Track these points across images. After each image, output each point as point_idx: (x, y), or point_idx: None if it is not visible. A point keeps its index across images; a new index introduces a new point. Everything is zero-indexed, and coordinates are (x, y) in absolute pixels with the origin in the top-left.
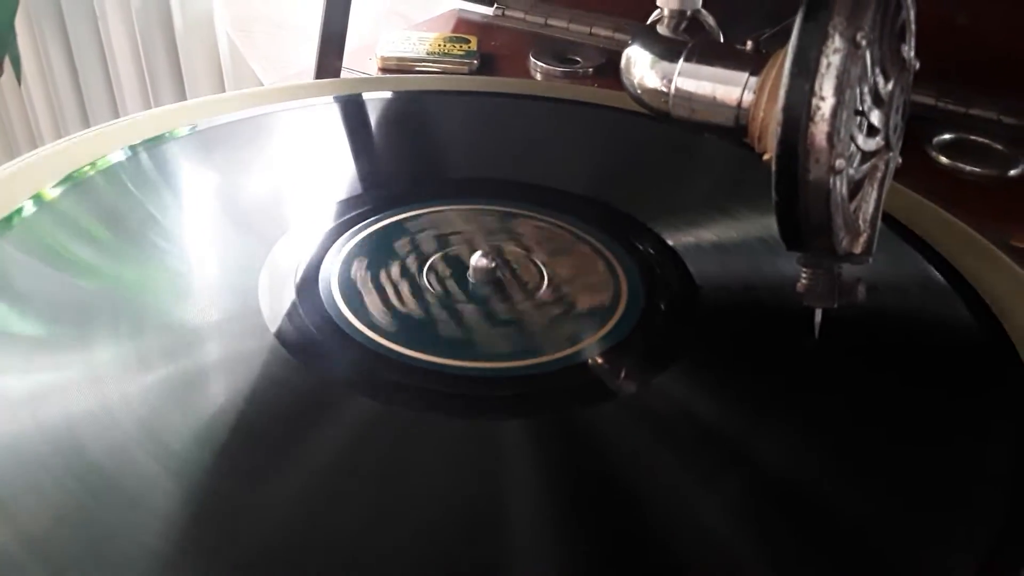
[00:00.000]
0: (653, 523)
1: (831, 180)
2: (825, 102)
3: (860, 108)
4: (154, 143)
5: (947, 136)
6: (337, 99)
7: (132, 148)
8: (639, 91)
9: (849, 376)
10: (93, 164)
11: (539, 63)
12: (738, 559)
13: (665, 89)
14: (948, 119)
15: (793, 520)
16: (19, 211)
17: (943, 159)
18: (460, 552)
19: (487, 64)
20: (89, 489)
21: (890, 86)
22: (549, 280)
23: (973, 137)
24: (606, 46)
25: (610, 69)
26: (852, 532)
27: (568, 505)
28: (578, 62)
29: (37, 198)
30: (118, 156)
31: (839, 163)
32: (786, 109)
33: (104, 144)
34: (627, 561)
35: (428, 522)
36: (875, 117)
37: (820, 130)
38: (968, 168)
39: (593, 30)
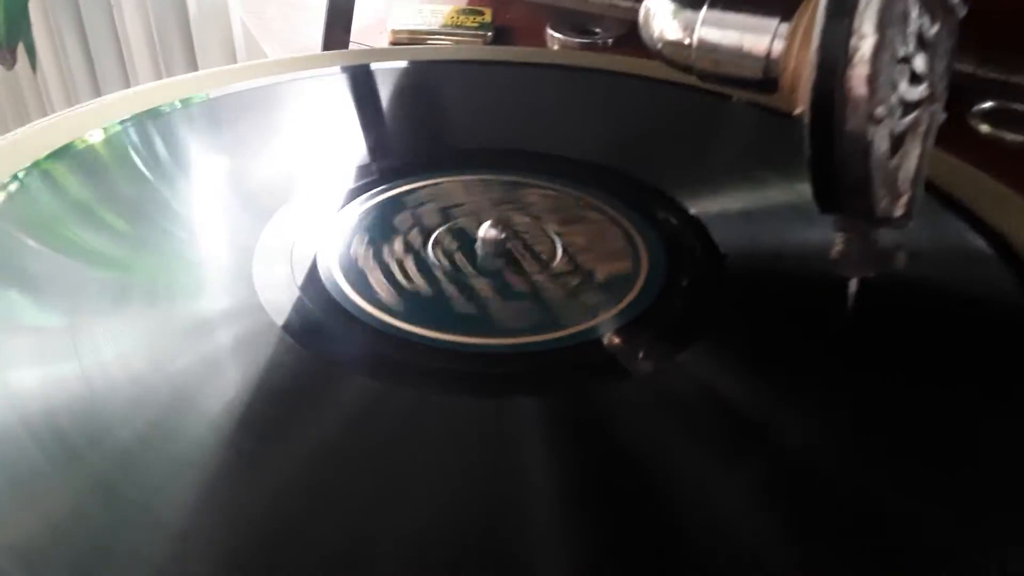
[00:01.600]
0: (676, 511)
1: (870, 131)
2: (865, 41)
3: (903, 52)
4: (149, 116)
5: (988, 104)
6: (344, 69)
7: (126, 121)
8: (659, 45)
9: (889, 353)
10: (83, 140)
11: (557, 35)
12: (767, 551)
13: (687, 41)
14: (988, 87)
15: (827, 510)
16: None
17: (984, 128)
18: (479, 537)
19: (502, 37)
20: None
21: (936, 29)
22: (563, 251)
23: (1014, 105)
24: (626, 16)
25: (632, 40)
26: (894, 524)
27: (588, 491)
28: (597, 33)
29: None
30: (114, 128)
31: (879, 111)
32: (821, 50)
33: (100, 118)
34: (649, 550)
35: (445, 507)
36: (919, 63)
37: (859, 73)
38: (1010, 137)
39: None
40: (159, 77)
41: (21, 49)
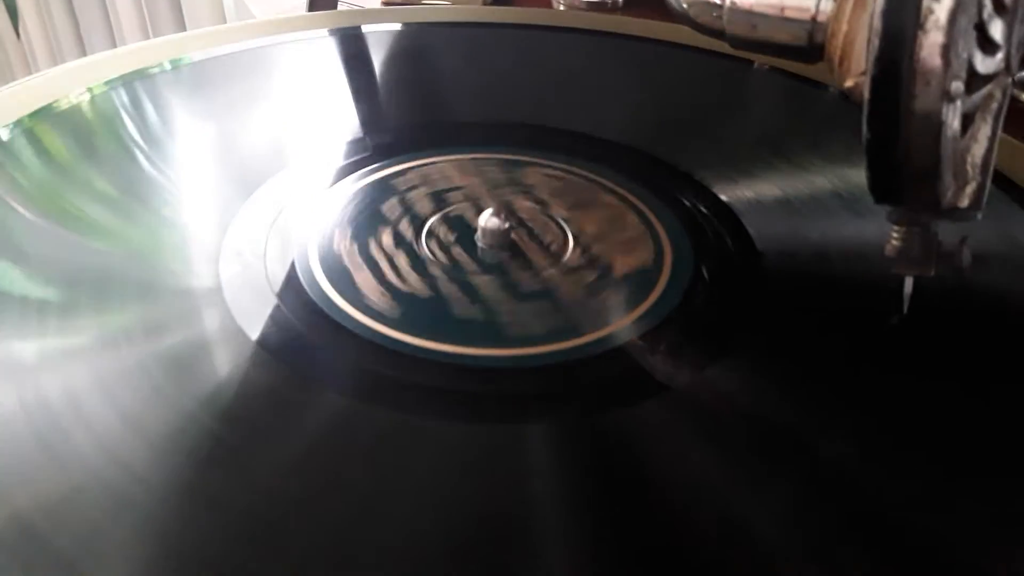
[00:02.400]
0: (709, 538)
1: (944, 110)
2: (940, 3)
3: (978, 17)
4: (131, 79)
5: None
6: (332, 33)
7: (112, 81)
8: (686, 5)
9: (946, 364)
10: (58, 101)
11: None
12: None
13: (719, 1)
14: None
15: (874, 532)
16: None
17: None
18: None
19: None
20: None
21: None
22: (575, 242)
23: None
24: None
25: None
26: (949, 549)
27: (613, 517)
28: None
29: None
30: (96, 91)
31: (955, 87)
32: (887, 14)
33: (81, 79)
34: None
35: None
36: (996, 29)
37: (933, 41)
38: None
39: None
40: (146, 37)
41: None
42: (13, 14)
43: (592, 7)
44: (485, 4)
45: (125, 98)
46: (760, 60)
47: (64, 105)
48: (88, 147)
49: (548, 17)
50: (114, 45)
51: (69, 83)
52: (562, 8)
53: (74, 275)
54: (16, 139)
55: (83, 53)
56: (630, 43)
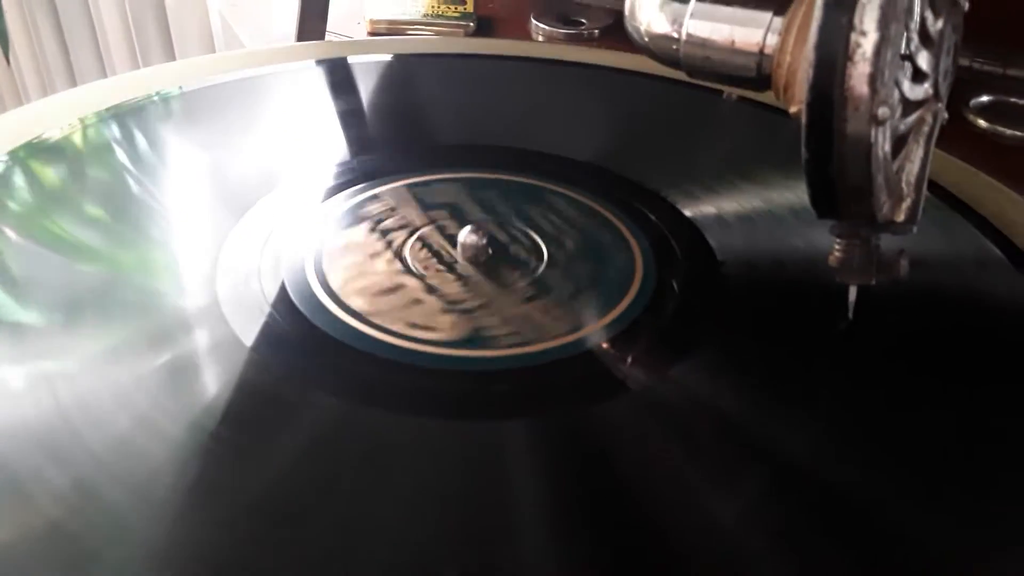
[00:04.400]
0: (673, 532)
1: (873, 132)
2: (867, 38)
3: (906, 49)
4: (114, 111)
5: (984, 98)
6: (319, 63)
7: (101, 113)
8: (646, 39)
9: (893, 364)
10: (49, 132)
11: (541, 25)
12: (769, 566)
13: (676, 34)
14: (985, 80)
15: (827, 526)
16: None
17: (981, 122)
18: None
19: (485, 27)
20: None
21: (940, 24)
22: (549, 256)
23: (1012, 99)
24: (613, 6)
25: (618, 31)
26: (898, 542)
27: (580, 515)
28: (583, 24)
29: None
30: (89, 120)
31: (882, 112)
32: (820, 47)
33: (73, 109)
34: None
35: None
36: (923, 60)
37: (860, 71)
38: (1008, 132)
39: None
40: (136, 67)
41: None
42: (3, 41)
43: (569, 39)
44: (468, 34)
45: (116, 128)
46: (729, 90)
47: (56, 136)
48: (81, 176)
49: (527, 49)
50: (104, 72)
51: (60, 114)
52: (540, 39)
53: (74, 297)
54: (8, 170)
55: (73, 80)
56: (604, 73)
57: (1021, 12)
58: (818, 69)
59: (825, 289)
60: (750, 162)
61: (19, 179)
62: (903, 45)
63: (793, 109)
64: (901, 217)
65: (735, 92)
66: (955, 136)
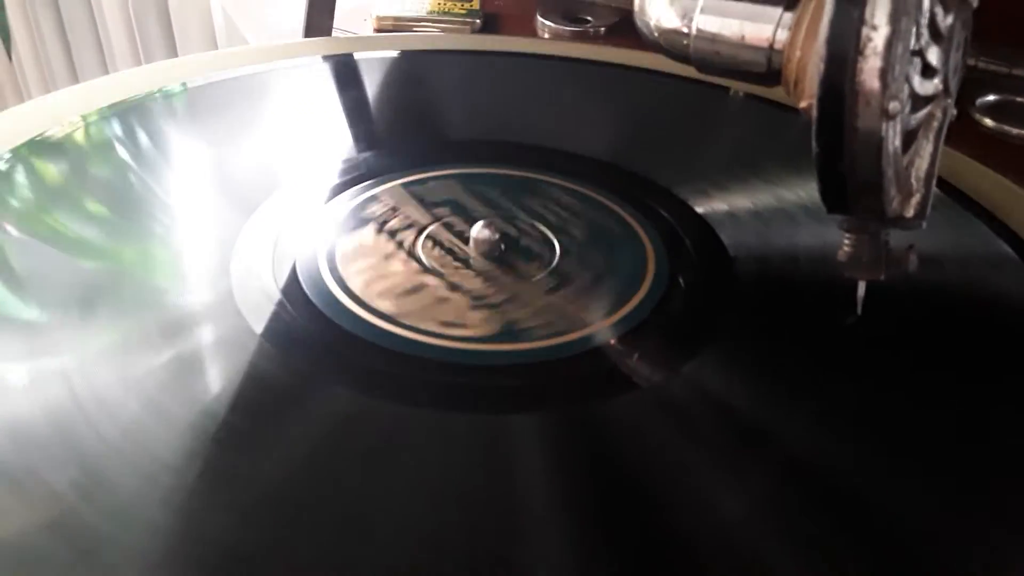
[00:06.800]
0: (683, 531)
1: (883, 127)
2: (878, 32)
3: (916, 44)
4: (116, 108)
5: (991, 97)
6: (326, 59)
7: (103, 109)
8: (656, 34)
9: (904, 360)
10: (52, 129)
11: (547, 23)
12: (779, 565)
13: (686, 29)
14: (990, 79)
15: (839, 523)
16: None
17: (988, 121)
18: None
19: (491, 25)
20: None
21: (950, 19)
22: (562, 251)
23: (1019, 99)
24: (619, 4)
25: (625, 28)
26: (914, 540)
27: (590, 512)
28: (589, 21)
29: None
30: (91, 116)
31: (893, 106)
32: (831, 42)
33: (78, 105)
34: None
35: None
36: (933, 55)
37: (871, 66)
38: (1015, 131)
39: None
40: (138, 63)
41: None
42: (5, 37)
43: (576, 36)
44: (474, 31)
45: (119, 125)
46: (736, 87)
47: (59, 133)
48: (84, 173)
49: (534, 46)
50: (106, 69)
51: (63, 111)
52: (547, 37)
53: (81, 295)
54: (11, 167)
55: (74, 76)
56: (612, 70)
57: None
58: (829, 63)
59: (837, 285)
60: (759, 158)
61: (21, 177)
62: (913, 40)
63: (803, 104)
64: (910, 212)
65: (741, 89)
66: (962, 135)
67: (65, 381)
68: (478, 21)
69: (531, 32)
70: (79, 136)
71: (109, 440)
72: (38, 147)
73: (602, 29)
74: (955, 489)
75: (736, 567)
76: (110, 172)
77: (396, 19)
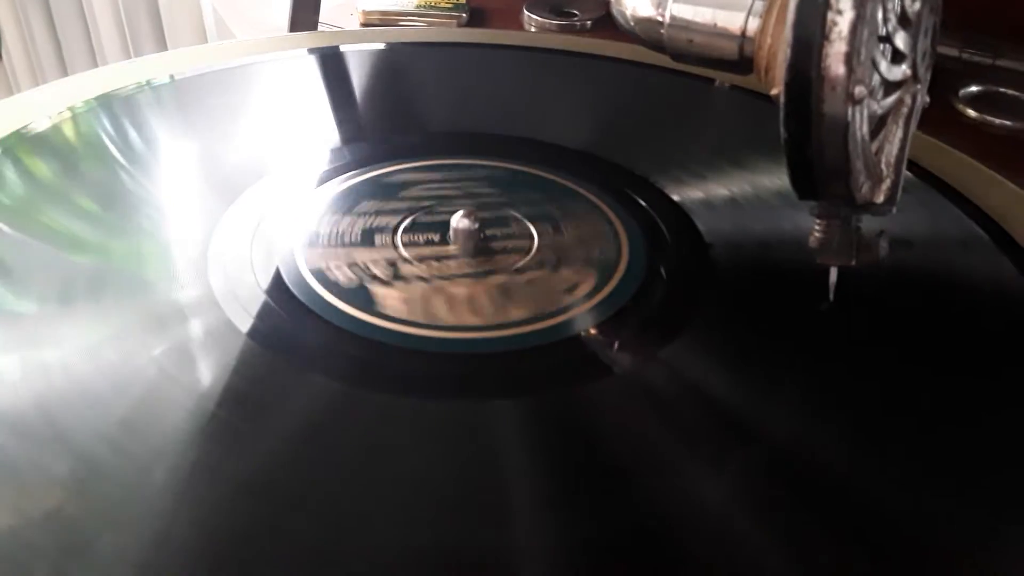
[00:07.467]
0: (660, 514)
1: (849, 111)
2: (843, 16)
3: (884, 30)
4: (104, 100)
5: (974, 88)
6: (311, 51)
7: (91, 101)
8: (632, 23)
9: (881, 344)
10: (38, 121)
11: (533, 16)
12: (758, 552)
13: (660, 18)
14: (974, 70)
15: (815, 509)
16: None
17: (971, 112)
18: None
19: (477, 18)
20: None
21: (917, 5)
22: (539, 240)
23: (1002, 89)
24: None
25: (611, 21)
26: (886, 525)
27: (565, 496)
28: (575, 15)
29: None
30: (80, 109)
31: (859, 91)
32: (797, 26)
33: (64, 98)
34: (634, 557)
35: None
36: (900, 40)
37: (837, 50)
38: (998, 121)
39: None
40: (127, 57)
41: None
42: None
43: (562, 30)
44: (460, 25)
45: (106, 117)
46: (721, 79)
47: (45, 125)
48: (71, 165)
49: (520, 39)
50: (95, 63)
51: (50, 103)
52: (533, 30)
53: (64, 286)
54: None
55: (64, 72)
56: (596, 62)
57: (1011, 3)
58: (795, 48)
59: (812, 271)
60: (738, 148)
61: (8, 169)
62: (880, 25)
63: (774, 91)
64: (880, 198)
65: (726, 81)
66: (945, 125)
67: (45, 374)
68: (464, 15)
69: (517, 26)
70: (65, 127)
71: (101, 432)
72: (23, 139)
73: (588, 22)
74: (931, 472)
75: (715, 552)
76: (95, 163)
77: (382, 14)
